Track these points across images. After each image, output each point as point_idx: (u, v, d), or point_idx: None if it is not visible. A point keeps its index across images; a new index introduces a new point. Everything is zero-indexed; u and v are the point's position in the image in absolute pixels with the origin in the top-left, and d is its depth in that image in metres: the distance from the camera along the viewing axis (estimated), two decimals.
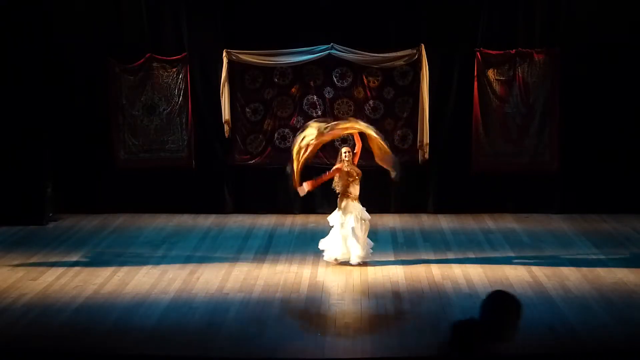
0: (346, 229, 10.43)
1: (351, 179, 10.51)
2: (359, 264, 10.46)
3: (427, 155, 13.09)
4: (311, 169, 12.37)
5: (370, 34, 13.04)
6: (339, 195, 10.59)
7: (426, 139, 13.03)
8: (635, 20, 12.84)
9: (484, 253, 11.15)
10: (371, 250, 10.66)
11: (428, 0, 13.02)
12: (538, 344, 8.02)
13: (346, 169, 10.51)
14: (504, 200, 13.32)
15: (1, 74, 12.71)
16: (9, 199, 12.79)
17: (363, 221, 10.49)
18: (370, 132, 10.49)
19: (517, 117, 13.13)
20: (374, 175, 12.97)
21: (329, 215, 10.81)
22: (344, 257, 10.53)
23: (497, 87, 13.10)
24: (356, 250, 10.46)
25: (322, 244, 10.70)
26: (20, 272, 10.43)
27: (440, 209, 13.32)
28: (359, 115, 13.24)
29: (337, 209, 10.57)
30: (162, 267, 10.61)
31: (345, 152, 10.60)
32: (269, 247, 11.58)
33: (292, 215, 13.35)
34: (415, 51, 12.98)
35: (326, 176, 10.60)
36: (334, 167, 10.62)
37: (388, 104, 13.27)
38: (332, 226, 10.63)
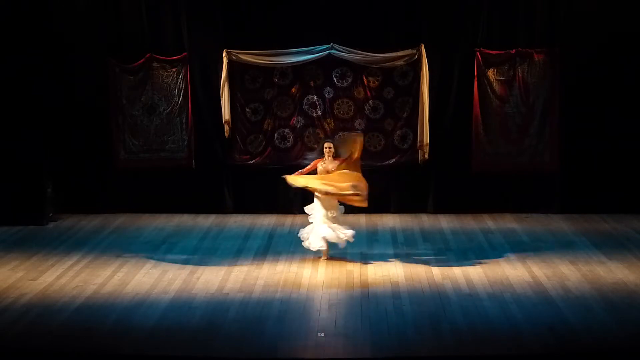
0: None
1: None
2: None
3: (427, 155, 13.09)
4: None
5: (370, 34, 13.05)
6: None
7: (426, 139, 13.04)
8: (635, 21, 12.84)
9: (484, 253, 11.15)
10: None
11: (428, 0, 13.03)
12: (538, 344, 8.02)
13: (324, 164, 10.81)
14: (504, 200, 13.32)
15: (1, 74, 12.71)
16: (9, 199, 12.79)
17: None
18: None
19: (517, 117, 13.14)
20: (374, 176, 13.03)
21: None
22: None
23: (497, 87, 13.11)
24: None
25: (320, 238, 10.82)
26: (20, 272, 10.44)
27: (440, 209, 13.32)
28: (359, 115, 13.27)
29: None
30: (162, 267, 10.61)
31: (326, 147, 10.87)
32: (269, 247, 11.58)
33: (292, 215, 13.34)
34: (415, 51, 12.99)
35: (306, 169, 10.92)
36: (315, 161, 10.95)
37: (388, 104, 13.27)
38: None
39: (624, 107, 12.96)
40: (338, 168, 10.69)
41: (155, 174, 13.39)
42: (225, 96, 13.17)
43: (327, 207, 10.77)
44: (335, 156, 10.82)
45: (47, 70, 13.00)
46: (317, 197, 10.82)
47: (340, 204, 10.92)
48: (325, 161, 10.82)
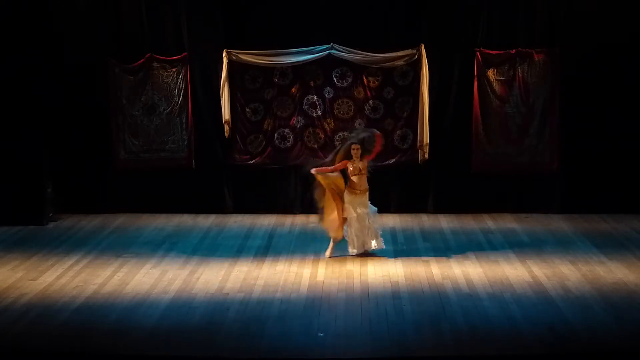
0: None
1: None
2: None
3: (427, 155, 13.09)
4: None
5: (370, 34, 13.05)
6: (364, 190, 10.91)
7: (426, 139, 13.04)
8: (635, 21, 12.85)
9: (484, 253, 11.14)
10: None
11: (428, 0, 13.03)
12: (538, 344, 8.02)
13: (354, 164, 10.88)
14: (504, 200, 13.33)
15: (1, 74, 12.71)
16: (9, 199, 12.79)
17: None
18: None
19: (517, 117, 13.14)
20: (374, 176, 12.99)
21: None
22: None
23: (497, 87, 13.11)
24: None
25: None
26: (20, 272, 10.44)
27: (440, 209, 13.32)
28: (359, 115, 13.27)
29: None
30: (162, 267, 10.61)
31: (353, 149, 10.85)
32: (269, 247, 11.58)
33: (292, 215, 13.35)
34: (415, 51, 12.99)
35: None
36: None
37: (388, 104, 13.27)
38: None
39: (624, 107, 12.96)
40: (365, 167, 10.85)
41: (155, 174, 13.39)
42: (225, 96, 13.18)
43: (355, 205, 10.82)
44: (362, 155, 10.85)
45: (47, 70, 12.99)
46: (345, 196, 10.91)
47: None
48: (355, 162, 10.82)
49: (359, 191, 10.82)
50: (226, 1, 13.16)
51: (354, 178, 10.81)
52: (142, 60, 13.24)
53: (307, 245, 11.53)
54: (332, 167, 10.89)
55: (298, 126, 13.35)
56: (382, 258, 10.88)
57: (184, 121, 13.32)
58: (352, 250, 10.91)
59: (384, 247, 11.02)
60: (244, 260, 10.93)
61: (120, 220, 13.12)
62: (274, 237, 12.14)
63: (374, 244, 10.92)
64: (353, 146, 10.88)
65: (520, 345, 8.06)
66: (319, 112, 13.32)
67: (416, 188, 13.43)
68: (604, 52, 12.86)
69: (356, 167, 10.81)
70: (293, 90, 13.33)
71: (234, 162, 13.45)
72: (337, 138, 13.27)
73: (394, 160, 13.30)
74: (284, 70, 13.25)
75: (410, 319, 8.68)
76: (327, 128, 13.31)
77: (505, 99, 13.12)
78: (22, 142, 12.76)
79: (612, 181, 13.10)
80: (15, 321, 8.72)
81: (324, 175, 10.85)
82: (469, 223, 12.78)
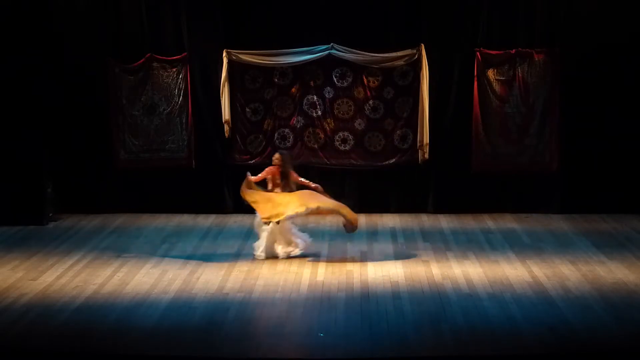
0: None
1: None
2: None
3: (427, 155, 13.09)
4: (310, 169, 12.55)
5: (370, 34, 13.06)
6: None
7: (426, 139, 13.04)
8: (635, 21, 12.85)
9: (484, 253, 11.14)
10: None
11: (428, 0, 13.03)
12: (538, 344, 8.02)
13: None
14: (504, 200, 13.33)
15: (1, 74, 12.71)
16: (9, 199, 12.79)
17: None
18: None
19: (517, 117, 13.14)
20: (374, 176, 13.01)
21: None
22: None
23: (497, 87, 13.11)
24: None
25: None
26: (20, 272, 10.43)
27: (440, 209, 13.32)
28: (359, 115, 13.26)
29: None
30: (162, 267, 10.61)
31: (275, 158, 11.04)
32: None
33: None
34: (415, 51, 12.99)
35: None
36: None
37: (388, 104, 13.27)
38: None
39: (624, 107, 12.96)
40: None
41: (155, 174, 13.39)
42: (225, 96, 13.18)
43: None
44: (283, 171, 10.93)
45: (47, 70, 13.00)
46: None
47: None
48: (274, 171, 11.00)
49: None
50: (226, 1, 13.17)
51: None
52: (142, 60, 13.24)
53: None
54: (259, 176, 11.07)
55: (298, 126, 13.36)
56: (382, 258, 10.89)
57: (184, 121, 13.32)
58: (259, 254, 10.91)
59: (303, 246, 11.03)
60: (244, 260, 10.93)
61: (120, 220, 13.11)
62: None
63: (291, 250, 10.95)
64: (276, 154, 11.05)
65: (520, 345, 8.05)
66: (319, 112, 13.32)
67: (416, 188, 13.42)
68: (604, 52, 12.87)
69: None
70: (293, 90, 13.33)
71: (234, 162, 13.45)
72: (337, 138, 13.27)
73: (394, 160, 13.30)
74: (284, 70, 13.26)
75: (410, 319, 8.68)
76: (327, 128, 13.31)
77: (505, 99, 13.12)
78: (22, 142, 12.76)
79: (612, 181, 13.10)
80: (15, 321, 8.72)
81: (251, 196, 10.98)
82: (469, 223, 12.78)
